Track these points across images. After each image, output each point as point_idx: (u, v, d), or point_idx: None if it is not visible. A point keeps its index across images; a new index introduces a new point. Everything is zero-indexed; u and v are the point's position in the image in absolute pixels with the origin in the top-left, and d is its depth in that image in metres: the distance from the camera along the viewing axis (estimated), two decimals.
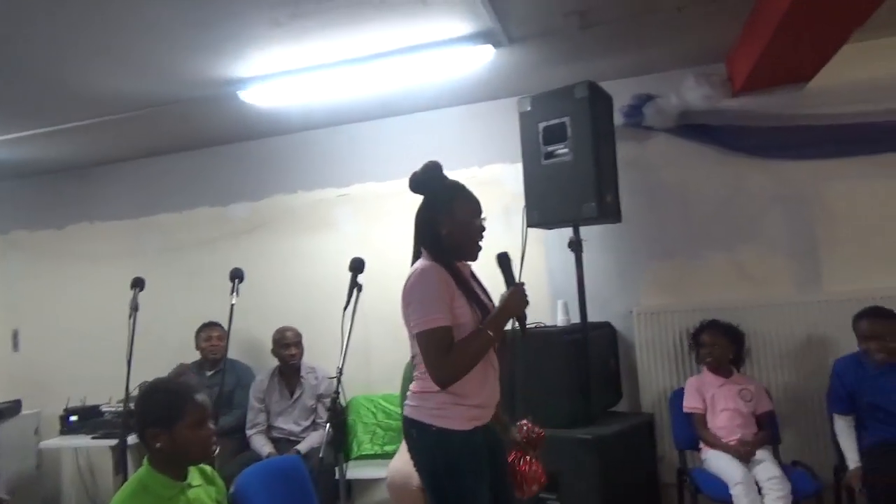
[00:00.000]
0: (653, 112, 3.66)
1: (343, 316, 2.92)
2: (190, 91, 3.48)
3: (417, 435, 2.06)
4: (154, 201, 4.84)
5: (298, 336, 4.02)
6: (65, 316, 4.96)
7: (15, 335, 5.11)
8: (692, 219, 3.73)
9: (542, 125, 3.21)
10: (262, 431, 3.91)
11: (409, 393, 2.14)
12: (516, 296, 2.11)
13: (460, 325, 2.02)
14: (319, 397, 3.97)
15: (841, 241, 3.50)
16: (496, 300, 2.16)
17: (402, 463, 3.15)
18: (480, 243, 2.18)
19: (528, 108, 3.27)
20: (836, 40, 2.85)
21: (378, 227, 4.27)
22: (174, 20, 2.70)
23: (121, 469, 3.54)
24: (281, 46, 3.01)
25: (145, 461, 1.88)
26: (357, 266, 3.11)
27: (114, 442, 3.76)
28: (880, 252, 3.44)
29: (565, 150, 3.14)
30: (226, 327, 3.62)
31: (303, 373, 3.99)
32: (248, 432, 3.92)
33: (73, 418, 4.22)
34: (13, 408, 4.31)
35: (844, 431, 2.98)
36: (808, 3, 2.40)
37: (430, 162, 2.21)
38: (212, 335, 4.21)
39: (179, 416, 1.84)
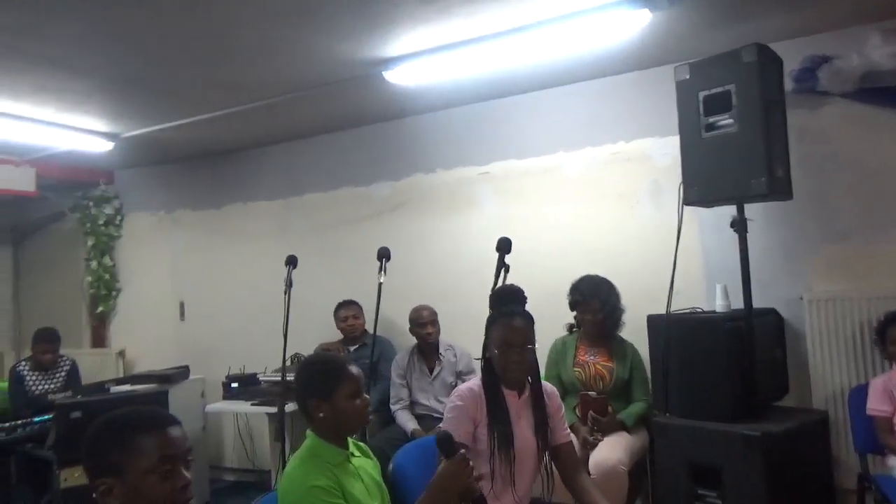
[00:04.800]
0: (829, 75, 3.25)
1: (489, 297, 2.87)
2: (337, 73, 3.54)
3: None
4: (300, 182, 5.05)
5: (434, 315, 4.05)
6: (224, 289, 5.34)
7: (182, 306, 5.58)
8: (873, 195, 3.29)
9: (702, 94, 2.95)
10: (406, 407, 4.00)
11: None
12: (450, 472, 1.75)
13: (478, 451, 2.12)
14: (459, 374, 3.98)
15: None
16: None
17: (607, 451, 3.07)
18: (519, 374, 2.25)
19: (687, 77, 3.01)
20: None
21: (519, 205, 4.19)
22: (324, 5, 2.74)
23: (279, 437, 3.76)
24: (428, 24, 2.97)
25: (310, 432, 1.93)
26: (504, 246, 2.99)
27: (272, 409, 3.97)
28: None
29: (729, 121, 2.87)
30: (369, 305, 3.72)
31: (441, 350, 4.03)
32: (393, 408, 4.02)
33: (235, 385, 4.53)
34: (183, 373, 4.69)
35: None
36: None
37: (511, 285, 2.42)
38: (348, 315, 4.35)
39: (337, 386, 1.89)
